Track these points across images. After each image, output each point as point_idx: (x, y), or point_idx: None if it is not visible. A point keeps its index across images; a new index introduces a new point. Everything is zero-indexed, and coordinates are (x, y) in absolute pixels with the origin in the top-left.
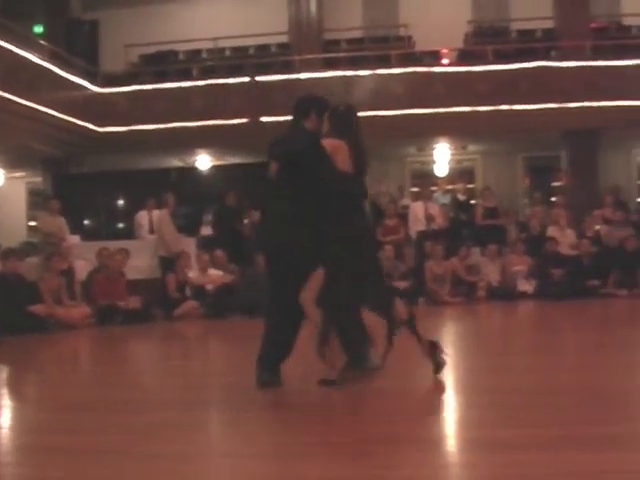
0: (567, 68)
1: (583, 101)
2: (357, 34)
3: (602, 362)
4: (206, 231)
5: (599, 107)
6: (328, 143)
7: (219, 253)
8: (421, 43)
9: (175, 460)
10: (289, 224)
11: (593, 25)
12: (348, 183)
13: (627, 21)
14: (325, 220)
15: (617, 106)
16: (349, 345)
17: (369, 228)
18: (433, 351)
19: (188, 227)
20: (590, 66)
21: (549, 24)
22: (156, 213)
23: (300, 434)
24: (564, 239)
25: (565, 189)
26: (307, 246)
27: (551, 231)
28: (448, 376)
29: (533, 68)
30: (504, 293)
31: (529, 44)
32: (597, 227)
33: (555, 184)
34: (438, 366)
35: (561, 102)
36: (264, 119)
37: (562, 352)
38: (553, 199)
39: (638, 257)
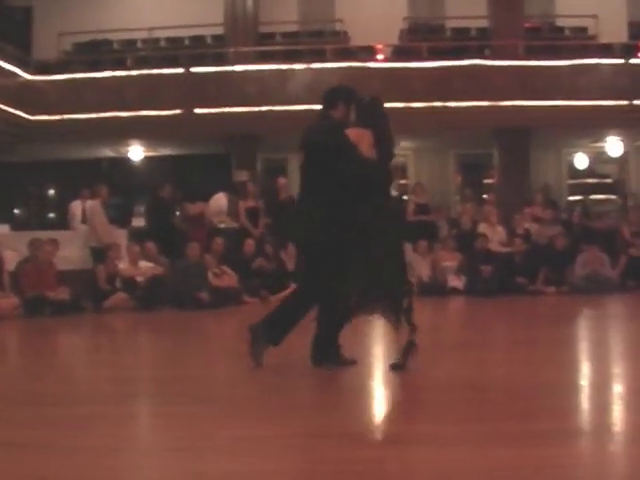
0: (500, 67)
1: (515, 100)
2: (292, 28)
3: (530, 358)
4: (138, 222)
5: (531, 106)
6: (352, 132)
7: (150, 245)
8: (356, 38)
9: (103, 454)
10: (311, 211)
11: (527, 25)
12: (371, 171)
13: (560, 22)
14: (346, 206)
15: (549, 106)
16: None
17: (393, 212)
18: (408, 350)
19: (119, 218)
20: (523, 65)
21: (483, 23)
22: (89, 203)
23: (230, 428)
24: (494, 236)
25: (496, 187)
26: (328, 233)
27: (482, 228)
28: (378, 371)
29: (467, 66)
30: (434, 289)
31: (463, 42)
32: (527, 225)
33: (486, 181)
34: (399, 366)
35: (494, 100)
36: (198, 111)
37: (491, 348)
38: (484, 196)
39: (567, 255)
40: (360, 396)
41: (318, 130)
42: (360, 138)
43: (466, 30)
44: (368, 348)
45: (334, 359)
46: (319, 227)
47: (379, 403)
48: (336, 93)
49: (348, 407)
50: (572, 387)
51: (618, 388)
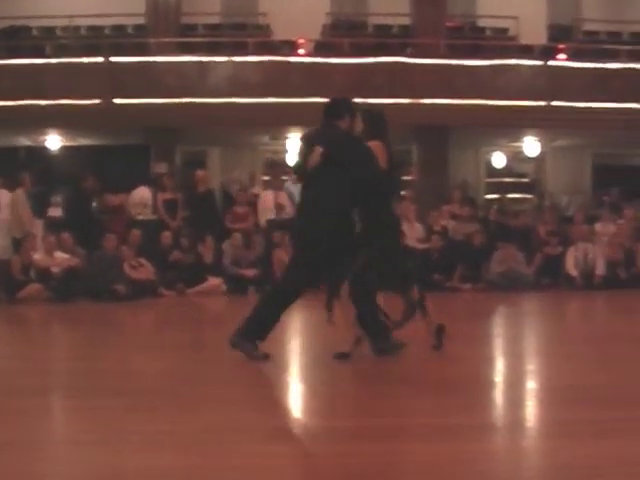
0: (421, 65)
1: (435, 98)
2: (215, 20)
3: (446, 354)
4: (54, 212)
5: (451, 105)
6: (371, 145)
7: (66, 235)
8: (279, 32)
9: (20, 447)
10: (323, 213)
11: (449, 24)
12: (389, 180)
13: (482, 22)
14: (359, 211)
15: (468, 105)
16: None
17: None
18: (439, 332)
19: (36, 208)
20: (444, 64)
21: (406, 20)
22: (4, 193)
23: (145, 422)
24: (412, 233)
25: (415, 183)
26: (338, 233)
27: None
28: (293, 366)
29: (388, 63)
30: None
31: (385, 39)
32: (444, 222)
33: (405, 178)
34: (437, 346)
35: (414, 98)
36: (117, 101)
37: (406, 343)
38: (403, 193)
39: (483, 252)
40: (277, 390)
41: (341, 140)
42: (376, 151)
43: (388, 27)
44: (285, 342)
45: (250, 348)
46: (327, 231)
47: (296, 397)
48: (341, 104)
49: (265, 401)
50: (487, 383)
51: (532, 384)
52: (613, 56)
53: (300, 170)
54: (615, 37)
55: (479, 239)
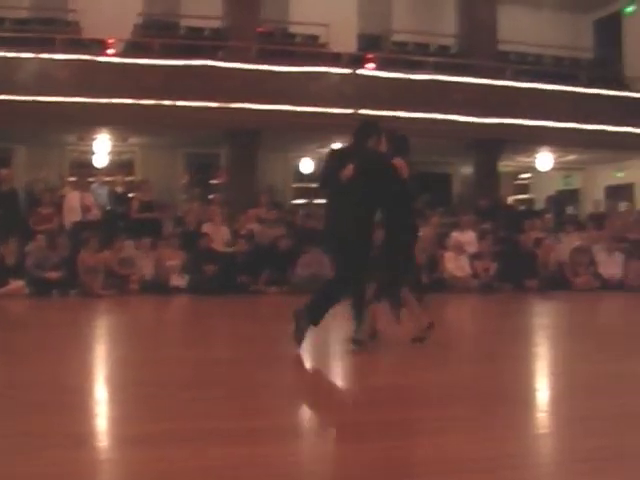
0: (232, 69)
1: (245, 102)
2: (23, 14)
3: (249, 355)
4: None
5: (260, 109)
6: (398, 162)
7: None
8: (89, 30)
9: None
10: (358, 219)
11: (260, 29)
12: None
13: (293, 29)
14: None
15: (278, 110)
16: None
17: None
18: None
19: None
20: (254, 69)
21: (218, 24)
22: None
23: None
24: (218, 236)
25: (223, 187)
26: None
27: (206, 227)
28: (100, 370)
29: (199, 66)
30: (157, 287)
31: (197, 41)
32: (251, 226)
33: (214, 181)
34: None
35: (224, 102)
36: None
37: (212, 345)
38: (211, 196)
39: (289, 256)
40: (84, 395)
41: (375, 157)
42: (403, 167)
43: (200, 29)
44: (95, 346)
45: (302, 326)
46: (365, 232)
47: (103, 402)
48: (370, 126)
49: (71, 406)
50: (290, 386)
51: (339, 385)
52: (420, 67)
53: (329, 182)
54: (423, 49)
55: (285, 243)
